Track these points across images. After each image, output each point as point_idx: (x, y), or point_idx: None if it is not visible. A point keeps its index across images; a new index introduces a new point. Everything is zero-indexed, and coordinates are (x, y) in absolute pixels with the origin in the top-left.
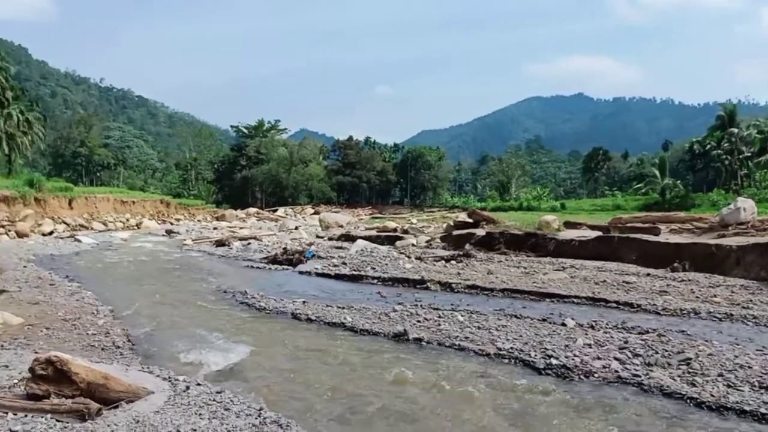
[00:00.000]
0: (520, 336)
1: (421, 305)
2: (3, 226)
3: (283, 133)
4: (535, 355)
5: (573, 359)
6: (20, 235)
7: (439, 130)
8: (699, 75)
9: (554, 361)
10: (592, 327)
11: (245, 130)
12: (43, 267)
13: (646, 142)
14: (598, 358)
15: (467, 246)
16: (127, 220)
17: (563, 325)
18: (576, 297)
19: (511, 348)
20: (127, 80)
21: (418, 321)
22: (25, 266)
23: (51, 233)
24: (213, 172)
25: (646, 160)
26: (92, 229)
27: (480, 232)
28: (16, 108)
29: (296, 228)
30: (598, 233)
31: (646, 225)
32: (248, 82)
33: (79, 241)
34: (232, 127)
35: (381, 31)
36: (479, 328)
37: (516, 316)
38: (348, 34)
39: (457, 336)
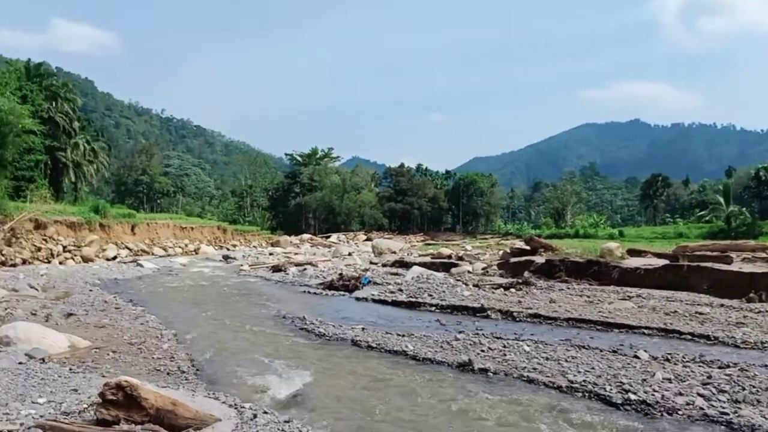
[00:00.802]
0: (592, 368)
1: (483, 334)
2: (70, 251)
3: (336, 161)
4: (611, 389)
5: (653, 394)
6: (86, 259)
7: (492, 157)
8: (762, 100)
9: (632, 396)
10: (668, 360)
11: (299, 158)
12: (108, 291)
13: (707, 168)
14: (680, 394)
15: (526, 274)
16: (186, 245)
17: (636, 357)
18: (646, 328)
19: (584, 381)
20: (187, 110)
21: (482, 350)
22: (91, 290)
23: (114, 258)
24: (268, 199)
25: (708, 187)
26: (153, 254)
27: (539, 259)
28: (82, 138)
29: (349, 254)
30: (665, 261)
31: (715, 253)
32: (302, 112)
33: (141, 265)
34: (286, 155)
35: (434, 60)
36: (547, 359)
37: (584, 347)
38: (401, 64)
39: (525, 367)
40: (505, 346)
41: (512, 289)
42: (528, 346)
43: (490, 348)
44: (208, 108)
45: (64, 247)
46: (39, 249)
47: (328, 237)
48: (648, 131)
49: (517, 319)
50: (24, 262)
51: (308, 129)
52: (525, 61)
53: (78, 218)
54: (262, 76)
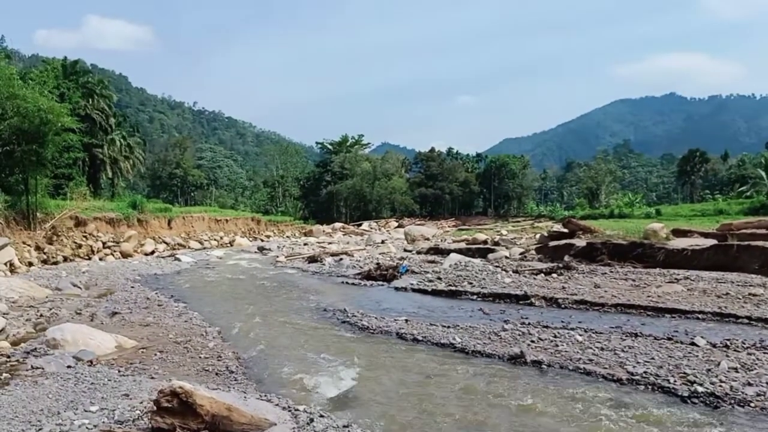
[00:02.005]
0: (652, 358)
1: (530, 323)
2: (109, 247)
3: (366, 147)
4: (675, 381)
5: (721, 386)
6: (124, 255)
7: (522, 137)
8: None
9: (699, 389)
10: (728, 347)
11: (330, 147)
12: (148, 287)
13: (746, 142)
14: (749, 384)
15: (566, 258)
16: (221, 238)
17: (693, 344)
18: (700, 312)
19: (645, 372)
20: (218, 102)
21: (532, 341)
22: (132, 286)
23: (152, 253)
24: (299, 188)
25: (748, 161)
26: (189, 247)
27: (579, 242)
28: (118, 134)
29: (382, 242)
30: (713, 241)
31: (762, 231)
32: (331, 99)
33: (178, 260)
34: (317, 143)
35: (462, 41)
36: (602, 349)
37: (637, 335)
38: (428, 46)
39: (580, 358)
40: (555, 336)
41: (554, 275)
42: (580, 335)
43: (540, 338)
44: (239, 99)
45: (104, 244)
46: (80, 246)
47: (360, 225)
48: (684, 105)
49: (563, 306)
50: (65, 259)
51: (337, 116)
52: (554, 36)
53: (116, 214)
54: (292, 65)
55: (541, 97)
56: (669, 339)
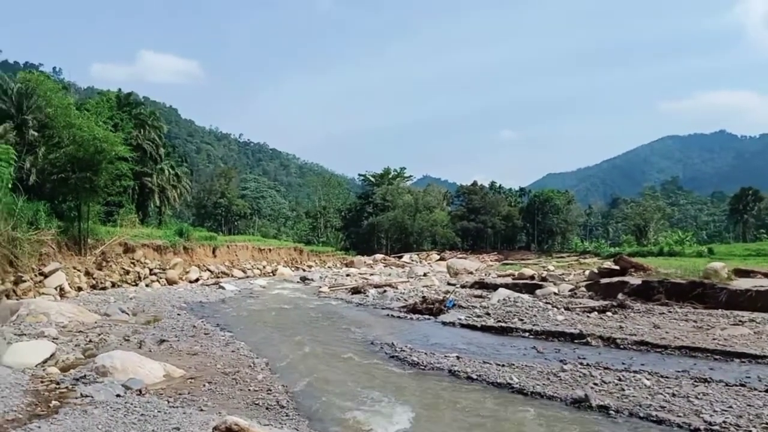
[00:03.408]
0: (730, 407)
1: (588, 363)
2: (155, 274)
3: (408, 180)
4: None
5: None
6: (170, 282)
7: (566, 173)
8: None
9: None
10: None
11: (372, 179)
12: (194, 315)
13: None
14: None
15: (620, 296)
16: (264, 267)
17: None
18: None
19: (725, 423)
20: (263, 134)
21: (595, 384)
22: (179, 314)
23: (197, 280)
24: (341, 219)
25: None
26: (233, 276)
27: (634, 280)
28: (167, 164)
29: (425, 274)
30: None
31: None
32: (373, 132)
33: (223, 288)
34: (359, 175)
35: (503, 75)
36: (674, 395)
37: (707, 380)
38: (470, 80)
39: (650, 405)
40: (620, 379)
41: (608, 313)
42: (647, 379)
43: (603, 381)
44: (283, 131)
45: (151, 270)
46: (127, 272)
47: (401, 257)
48: (734, 142)
49: (621, 346)
50: (113, 285)
51: (379, 149)
52: (599, 72)
53: (164, 242)
54: (336, 99)
55: (585, 133)
56: (742, 385)
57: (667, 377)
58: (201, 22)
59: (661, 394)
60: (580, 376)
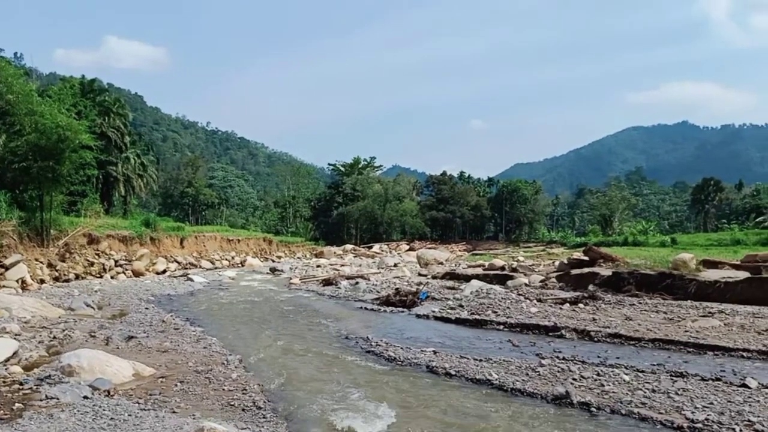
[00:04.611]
0: (711, 403)
1: (564, 357)
2: (121, 266)
3: (378, 170)
4: (741, 431)
5: None
6: (136, 274)
7: (533, 163)
8: None
9: None
10: None
11: (342, 168)
12: (163, 308)
13: (759, 171)
14: None
15: (591, 287)
16: (233, 258)
17: (745, 386)
18: (744, 350)
19: (707, 420)
20: (231, 123)
21: (574, 379)
22: (146, 308)
23: (164, 272)
24: (310, 209)
25: (762, 191)
26: (201, 267)
27: (604, 271)
28: (133, 152)
29: (395, 265)
30: (746, 274)
31: None
32: (343, 122)
33: (191, 280)
34: (329, 165)
35: (473, 65)
36: (653, 390)
37: (682, 375)
38: (439, 70)
39: (630, 401)
40: (599, 374)
41: (580, 305)
42: (626, 374)
43: (582, 376)
44: (251, 120)
45: (116, 262)
46: (92, 264)
47: (371, 247)
48: (697, 133)
49: (595, 339)
50: (77, 277)
51: (349, 138)
52: (566, 63)
53: (129, 232)
54: (305, 87)
55: (553, 123)
56: (718, 380)
57: (644, 372)
58: (168, 8)
59: (641, 389)
60: (558, 371)
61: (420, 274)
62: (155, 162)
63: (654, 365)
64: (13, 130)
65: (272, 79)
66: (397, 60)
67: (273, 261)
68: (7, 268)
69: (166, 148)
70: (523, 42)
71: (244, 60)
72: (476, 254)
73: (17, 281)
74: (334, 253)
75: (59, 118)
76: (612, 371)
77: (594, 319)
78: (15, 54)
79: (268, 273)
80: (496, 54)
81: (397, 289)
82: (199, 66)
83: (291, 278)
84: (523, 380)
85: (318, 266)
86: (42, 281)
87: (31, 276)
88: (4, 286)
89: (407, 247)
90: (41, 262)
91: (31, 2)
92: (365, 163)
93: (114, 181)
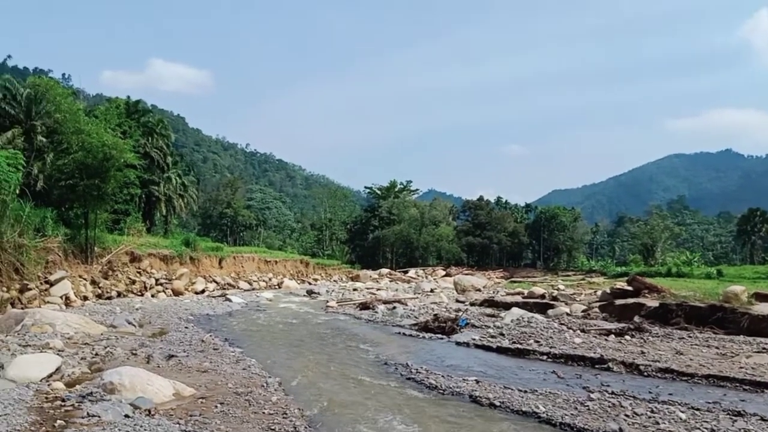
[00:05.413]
0: None
1: (613, 392)
2: (161, 284)
3: (414, 194)
4: None
5: None
6: (176, 293)
7: (572, 189)
8: None
9: None
10: None
11: (378, 192)
12: (202, 328)
13: None
14: None
15: (636, 318)
16: (270, 279)
17: None
18: None
19: None
20: (269, 145)
21: (627, 415)
22: (186, 327)
23: (203, 291)
24: (346, 232)
25: None
26: (239, 287)
27: (651, 302)
28: (174, 172)
29: (432, 290)
30: None
31: None
32: (380, 146)
33: (229, 300)
34: (365, 188)
35: (511, 89)
36: (713, 430)
37: (740, 414)
38: (477, 95)
39: None
40: (653, 411)
41: (626, 336)
42: (682, 411)
43: (635, 412)
44: (290, 142)
45: (157, 280)
46: (133, 282)
47: (406, 272)
48: (741, 161)
49: (645, 373)
50: (119, 294)
51: (386, 162)
52: (607, 89)
53: (170, 251)
54: (342, 111)
55: (592, 149)
56: None
57: (700, 410)
58: (211, 32)
59: (699, 429)
60: (609, 406)
61: (457, 301)
62: (195, 182)
63: (709, 403)
64: (60, 149)
65: (310, 101)
66: (434, 84)
67: (309, 283)
68: (52, 284)
69: (206, 169)
70: (562, 66)
71: (283, 83)
72: (514, 281)
73: (61, 297)
74: (370, 276)
75: (105, 137)
76: (667, 408)
77: (642, 352)
78: (63, 75)
79: (304, 295)
80: (534, 78)
81: (435, 315)
82: (240, 89)
83: (328, 301)
84: (572, 414)
85: (354, 289)
86: (85, 298)
87: (74, 292)
88: (48, 302)
89: (443, 272)
90: (85, 279)
91: (81, 25)
92: (401, 186)
93: (156, 201)
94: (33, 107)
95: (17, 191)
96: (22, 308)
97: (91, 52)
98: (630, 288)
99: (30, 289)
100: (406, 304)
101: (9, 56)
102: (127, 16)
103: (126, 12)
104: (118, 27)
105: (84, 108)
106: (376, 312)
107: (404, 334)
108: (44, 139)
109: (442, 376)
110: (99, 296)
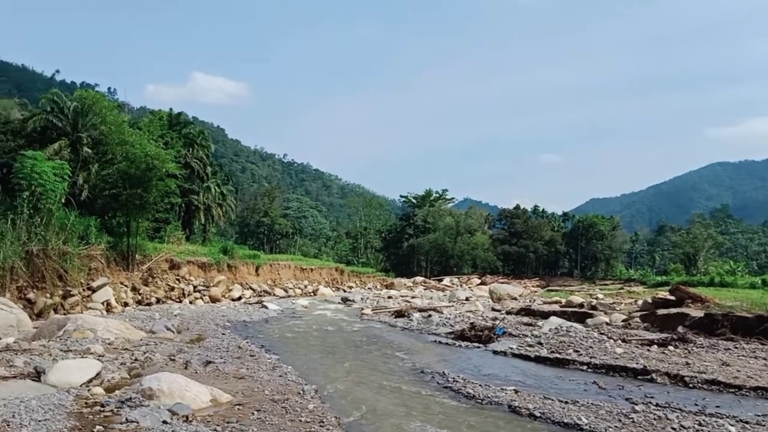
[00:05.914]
0: None
1: (658, 404)
2: (199, 291)
3: (450, 202)
4: None
5: None
6: (213, 299)
7: (610, 198)
8: None
9: None
10: None
11: (413, 200)
12: (238, 334)
13: None
14: None
15: (680, 328)
16: (305, 286)
17: None
18: None
19: None
20: (306, 155)
21: (673, 428)
22: (223, 333)
23: (239, 298)
24: (381, 240)
25: None
26: (275, 295)
27: (695, 312)
28: (213, 182)
29: (467, 299)
30: None
31: None
32: (415, 155)
33: (266, 307)
34: (400, 197)
35: (547, 99)
36: None
37: None
38: (512, 105)
39: None
40: (701, 424)
41: (670, 347)
42: (731, 425)
43: (682, 426)
44: (326, 152)
45: (195, 287)
46: (172, 289)
47: (441, 280)
48: None
49: (690, 385)
50: (158, 301)
51: (420, 171)
52: (644, 97)
53: (208, 259)
54: (378, 120)
55: (631, 158)
56: None
57: (749, 422)
58: (251, 45)
59: None
60: (655, 419)
61: (493, 309)
62: (234, 192)
63: (759, 416)
64: (104, 159)
65: (347, 111)
66: (470, 94)
67: (344, 291)
68: (94, 291)
69: (245, 179)
70: (599, 76)
71: (321, 93)
72: (551, 290)
73: (103, 303)
74: (405, 285)
75: (148, 147)
76: (715, 421)
77: (687, 363)
78: (109, 89)
79: (339, 303)
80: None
81: (472, 323)
82: (278, 100)
83: (363, 309)
84: (616, 427)
85: (389, 297)
86: (126, 304)
87: (115, 299)
88: (90, 308)
89: (479, 281)
90: (126, 286)
91: (127, 42)
92: (437, 195)
93: (195, 210)
94: (80, 119)
95: (63, 200)
96: (64, 314)
97: (136, 67)
98: (672, 297)
99: (73, 296)
100: (442, 312)
101: (57, 71)
102: (171, 33)
103: (169, 28)
104: (163, 43)
105: (128, 120)
106: (411, 320)
107: (440, 342)
108: (89, 151)
109: (480, 386)
110: (139, 302)
